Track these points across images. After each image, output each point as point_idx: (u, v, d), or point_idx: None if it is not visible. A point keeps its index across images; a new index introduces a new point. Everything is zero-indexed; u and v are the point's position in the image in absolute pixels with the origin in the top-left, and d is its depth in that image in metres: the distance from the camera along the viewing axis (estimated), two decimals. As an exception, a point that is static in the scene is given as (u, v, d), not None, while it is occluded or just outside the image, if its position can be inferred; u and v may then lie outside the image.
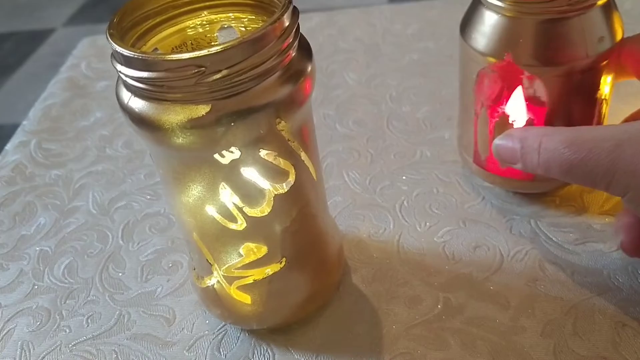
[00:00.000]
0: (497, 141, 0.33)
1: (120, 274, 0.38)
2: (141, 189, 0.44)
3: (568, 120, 0.34)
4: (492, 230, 0.37)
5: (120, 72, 0.24)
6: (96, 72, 0.59)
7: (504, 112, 0.35)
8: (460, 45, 0.36)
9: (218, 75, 0.23)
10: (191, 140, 0.24)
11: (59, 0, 2.54)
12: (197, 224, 0.29)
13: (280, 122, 0.25)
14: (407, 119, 0.47)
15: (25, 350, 0.34)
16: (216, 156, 0.25)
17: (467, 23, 0.35)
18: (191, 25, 0.29)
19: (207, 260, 0.30)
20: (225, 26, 0.30)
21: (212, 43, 0.30)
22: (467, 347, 0.31)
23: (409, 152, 0.44)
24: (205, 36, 0.30)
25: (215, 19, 0.29)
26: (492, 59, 0.34)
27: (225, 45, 0.22)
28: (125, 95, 0.25)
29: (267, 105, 0.24)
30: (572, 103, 0.34)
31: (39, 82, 2.05)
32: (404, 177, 0.41)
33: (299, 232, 0.30)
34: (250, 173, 0.26)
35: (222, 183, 0.26)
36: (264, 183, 0.27)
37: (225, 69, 0.23)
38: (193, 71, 0.22)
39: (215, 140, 0.24)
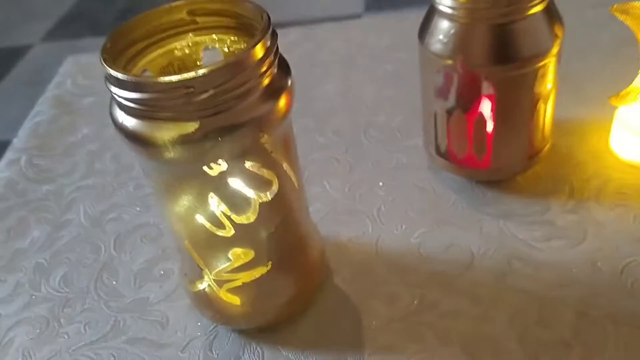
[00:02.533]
0: None
1: (114, 283, 0.40)
2: (131, 201, 0.46)
3: (515, 114, 0.38)
4: (463, 231, 0.39)
5: (114, 93, 0.26)
6: (81, 89, 0.60)
7: (461, 109, 0.38)
8: (419, 50, 0.39)
9: (205, 95, 0.25)
10: (181, 155, 0.26)
11: (35, 17, 2.53)
12: (188, 232, 0.31)
13: (263, 136, 0.27)
14: (383, 128, 0.49)
15: (26, 357, 0.36)
16: (205, 168, 0.27)
17: (424, 30, 0.38)
18: (177, 47, 0.32)
19: (198, 265, 0.32)
20: (210, 47, 0.32)
21: (198, 63, 0.32)
22: (442, 338, 0.33)
23: (385, 159, 0.46)
24: (191, 57, 0.32)
25: (200, 40, 0.31)
26: (448, 61, 0.37)
27: (212, 67, 0.25)
28: (119, 115, 0.27)
29: (251, 121, 0.27)
30: (518, 98, 0.37)
31: (19, 99, 2.05)
32: (381, 184, 0.44)
33: (283, 237, 0.32)
34: (237, 183, 0.28)
35: (211, 193, 0.29)
36: (249, 192, 0.29)
37: (212, 89, 0.25)
38: (183, 92, 0.25)
39: (204, 154, 0.27)
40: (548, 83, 0.38)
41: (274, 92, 0.28)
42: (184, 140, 0.26)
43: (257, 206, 0.30)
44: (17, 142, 0.54)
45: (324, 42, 0.61)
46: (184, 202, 0.29)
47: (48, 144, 0.53)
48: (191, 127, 0.26)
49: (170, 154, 0.26)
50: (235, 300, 0.33)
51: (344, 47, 0.60)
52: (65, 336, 0.37)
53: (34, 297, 0.40)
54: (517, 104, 0.37)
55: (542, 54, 0.36)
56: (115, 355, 0.36)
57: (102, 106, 0.57)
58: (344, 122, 0.51)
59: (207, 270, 0.32)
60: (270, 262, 0.32)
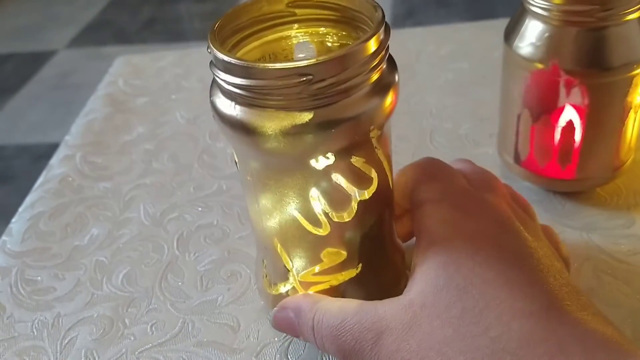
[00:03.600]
0: (274, 313, 0.31)
1: (180, 283, 0.39)
2: (191, 201, 0.45)
3: (606, 123, 0.36)
4: (545, 242, 0.38)
5: (224, 80, 0.25)
6: (134, 88, 0.60)
7: (549, 116, 0.37)
8: (505, 53, 0.38)
9: (323, 84, 0.24)
10: (292, 146, 0.25)
11: (60, 23, 2.56)
12: (281, 230, 0.29)
13: (373, 130, 0.26)
14: (450, 135, 0.48)
15: (89, 358, 0.35)
16: (312, 162, 0.26)
17: (513, 32, 0.37)
18: (271, 40, 0.31)
19: (284, 266, 0.31)
20: (301, 41, 0.31)
21: (289, 57, 0.31)
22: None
23: (455, 167, 0.45)
24: (284, 51, 0.31)
25: (297, 33, 0.30)
26: (539, 65, 0.35)
27: (331, 55, 0.24)
28: (224, 103, 0.26)
29: (363, 114, 0.25)
30: (610, 106, 0.36)
31: (42, 103, 2.06)
32: (453, 191, 0.42)
33: (376, 239, 0.31)
34: (340, 179, 0.27)
35: (313, 188, 0.27)
36: (350, 189, 0.28)
37: (330, 77, 0.24)
38: (301, 79, 0.24)
39: (315, 145, 0.25)
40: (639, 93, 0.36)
41: (383, 86, 0.26)
42: (298, 131, 0.25)
43: (356, 204, 0.28)
44: (70, 139, 0.53)
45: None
46: (283, 197, 0.28)
47: (103, 142, 0.52)
48: (305, 117, 0.24)
49: (281, 144, 0.25)
50: None
51: (401, 55, 0.59)
52: (131, 337, 0.36)
53: (95, 295, 0.39)
54: (608, 113, 0.36)
55: (638, 61, 0.35)
56: (185, 358, 0.34)
57: (156, 106, 0.57)
58: (408, 128, 0.49)
59: (293, 271, 0.31)
60: (360, 265, 0.31)
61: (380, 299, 0.32)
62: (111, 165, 0.50)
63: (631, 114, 0.37)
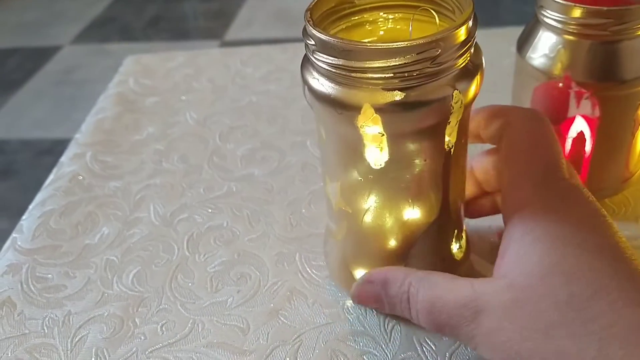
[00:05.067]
0: (356, 286, 0.33)
1: (190, 284, 0.39)
2: (202, 203, 0.45)
3: (616, 135, 0.37)
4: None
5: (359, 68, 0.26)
6: (144, 88, 0.60)
7: (560, 126, 0.37)
8: (517, 63, 0.38)
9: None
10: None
11: (66, 19, 2.56)
12: (461, 188, 0.33)
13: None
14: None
15: (100, 357, 0.35)
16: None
17: (526, 43, 0.37)
18: (353, 25, 0.31)
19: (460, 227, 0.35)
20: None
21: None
22: None
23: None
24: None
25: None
26: (551, 76, 0.36)
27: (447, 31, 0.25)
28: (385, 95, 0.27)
29: None
30: (621, 119, 0.36)
31: (47, 98, 2.06)
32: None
33: None
34: None
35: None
36: None
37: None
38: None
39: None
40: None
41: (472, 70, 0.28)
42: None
43: None
44: (80, 137, 0.54)
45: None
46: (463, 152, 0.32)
47: (113, 141, 0.53)
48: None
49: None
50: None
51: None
52: (142, 337, 0.36)
53: (106, 294, 0.39)
54: (619, 125, 0.36)
55: (650, 74, 0.35)
56: (195, 359, 0.34)
57: (166, 106, 0.57)
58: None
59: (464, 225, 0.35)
60: None
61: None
62: (121, 164, 0.50)
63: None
